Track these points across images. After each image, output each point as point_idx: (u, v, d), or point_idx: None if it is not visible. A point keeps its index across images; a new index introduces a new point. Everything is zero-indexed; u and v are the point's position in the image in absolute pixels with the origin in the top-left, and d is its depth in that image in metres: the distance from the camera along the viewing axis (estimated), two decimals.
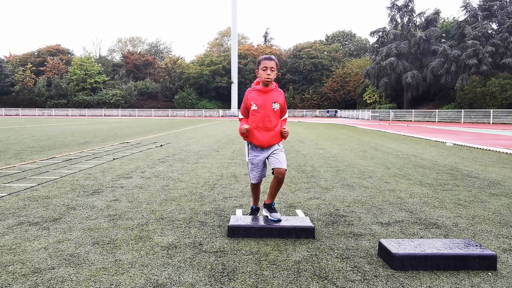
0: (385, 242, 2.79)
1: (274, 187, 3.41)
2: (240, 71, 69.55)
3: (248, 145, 3.51)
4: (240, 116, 3.51)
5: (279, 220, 3.34)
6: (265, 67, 3.28)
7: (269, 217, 3.41)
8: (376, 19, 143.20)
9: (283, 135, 3.40)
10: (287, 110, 3.55)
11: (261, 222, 3.34)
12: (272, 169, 3.34)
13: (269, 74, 3.28)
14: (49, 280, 2.37)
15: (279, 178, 3.31)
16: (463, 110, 37.43)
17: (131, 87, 72.67)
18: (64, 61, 78.31)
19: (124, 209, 4.07)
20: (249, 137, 3.42)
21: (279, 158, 3.35)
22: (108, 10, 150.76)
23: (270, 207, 3.46)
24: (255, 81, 3.46)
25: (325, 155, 9.00)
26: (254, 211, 3.66)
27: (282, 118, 3.47)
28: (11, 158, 8.03)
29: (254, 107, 3.34)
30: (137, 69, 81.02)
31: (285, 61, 73.75)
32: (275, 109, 3.35)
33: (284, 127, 3.41)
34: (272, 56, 3.36)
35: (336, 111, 64.90)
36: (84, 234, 3.24)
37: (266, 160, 3.47)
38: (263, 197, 3.93)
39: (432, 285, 2.38)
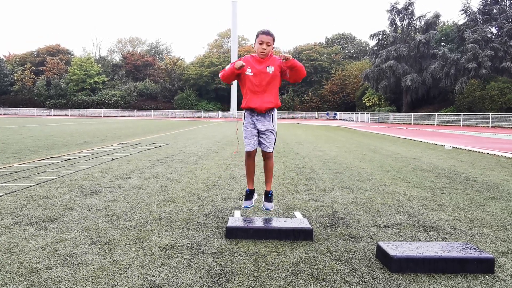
0: (383, 244, 2.79)
1: (266, 170, 3.65)
2: None
3: (244, 113, 3.59)
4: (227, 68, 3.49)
5: (268, 210, 3.59)
6: (262, 41, 3.38)
7: (262, 205, 3.64)
8: (376, 22, 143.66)
9: (285, 58, 3.28)
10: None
11: (259, 223, 3.34)
12: (261, 149, 3.58)
13: (265, 49, 3.39)
14: (46, 280, 2.37)
15: (266, 159, 3.60)
16: (462, 113, 37.49)
17: (131, 88, 72.69)
18: (64, 61, 78.32)
19: (122, 209, 4.06)
20: (247, 102, 3.49)
21: (267, 140, 3.53)
22: (108, 10, 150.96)
23: (267, 195, 3.67)
24: (253, 53, 3.53)
25: (324, 157, 9.00)
26: (249, 195, 3.67)
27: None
28: (9, 158, 8.01)
29: (249, 72, 3.43)
30: (136, 70, 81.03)
31: None
32: (270, 72, 3.42)
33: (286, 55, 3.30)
34: (270, 31, 3.44)
35: (335, 114, 64.95)
36: (82, 234, 3.23)
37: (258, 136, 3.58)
38: (262, 186, 3.92)
39: (429, 287, 2.38)
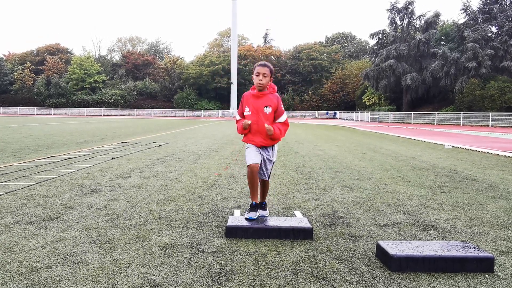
0: (383, 243, 2.79)
1: (261, 189, 3.70)
2: (239, 72, 69.58)
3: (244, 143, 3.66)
4: (238, 117, 3.65)
5: (263, 216, 3.57)
6: (258, 73, 3.44)
7: (259, 214, 3.60)
8: (376, 21, 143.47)
9: (268, 132, 3.40)
10: (285, 112, 3.57)
11: (259, 222, 3.34)
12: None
13: (261, 80, 3.43)
14: (46, 279, 2.37)
15: (262, 184, 3.66)
16: (462, 112, 37.49)
17: (131, 87, 72.64)
18: (64, 60, 78.26)
19: (122, 208, 4.06)
20: (246, 138, 3.58)
21: (264, 170, 3.57)
22: (108, 9, 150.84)
23: (261, 205, 3.69)
24: (252, 86, 3.58)
25: (324, 157, 9.00)
26: (254, 207, 3.59)
27: (277, 121, 3.52)
28: (9, 157, 8.01)
29: (247, 112, 3.51)
30: (136, 69, 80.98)
31: (285, 62, 73.83)
32: (267, 113, 3.46)
33: (267, 125, 3.39)
34: (267, 63, 3.50)
35: (335, 113, 64.94)
36: (82, 234, 3.23)
37: None
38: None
39: (429, 287, 2.38)
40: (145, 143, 11.79)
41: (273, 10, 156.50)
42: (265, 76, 3.42)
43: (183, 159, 8.21)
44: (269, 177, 3.65)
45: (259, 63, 3.51)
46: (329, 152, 10.11)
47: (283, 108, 3.56)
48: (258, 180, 3.56)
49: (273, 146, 3.59)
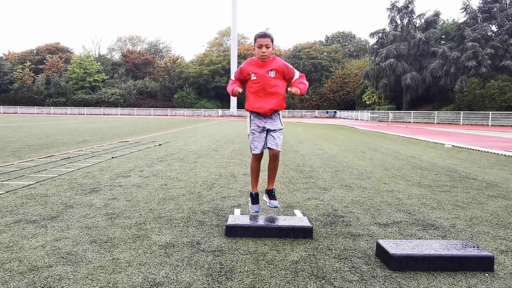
0: (383, 242, 2.79)
1: (271, 170, 3.59)
2: None
3: (250, 116, 3.57)
4: (232, 77, 3.60)
5: (276, 207, 3.53)
6: (260, 44, 3.37)
7: (267, 203, 3.55)
8: (376, 20, 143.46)
9: (295, 92, 3.38)
10: (296, 71, 3.52)
11: (259, 221, 3.34)
12: (268, 148, 3.51)
13: (264, 52, 3.37)
14: (46, 278, 2.37)
15: (273, 159, 3.52)
16: (462, 112, 37.48)
17: (130, 86, 72.62)
18: (63, 59, 78.21)
19: (122, 207, 4.06)
20: (250, 104, 3.49)
21: (276, 140, 3.48)
22: (107, 8, 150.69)
23: (270, 194, 3.61)
24: (255, 56, 3.51)
25: (324, 156, 9.00)
26: (255, 199, 3.59)
27: (295, 79, 3.49)
28: (9, 156, 8.01)
29: (253, 77, 3.43)
30: (136, 68, 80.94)
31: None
32: (271, 76, 3.42)
33: (293, 88, 3.39)
34: (267, 33, 3.44)
35: (335, 112, 64.93)
36: (82, 233, 3.23)
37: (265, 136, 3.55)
38: (263, 186, 3.92)
39: (429, 286, 2.39)
40: (145, 142, 11.79)
41: (273, 9, 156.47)
42: (268, 47, 3.36)
43: (183, 158, 8.21)
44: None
45: (258, 33, 3.42)
46: (329, 151, 10.11)
47: (291, 67, 3.51)
48: (260, 169, 3.61)
49: (278, 114, 3.54)
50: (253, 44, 3.48)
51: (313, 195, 4.82)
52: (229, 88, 3.55)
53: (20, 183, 5.20)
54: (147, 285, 2.30)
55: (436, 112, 40.74)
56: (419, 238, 3.25)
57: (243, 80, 3.52)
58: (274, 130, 3.49)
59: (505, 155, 9.62)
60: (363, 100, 57.54)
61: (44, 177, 5.71)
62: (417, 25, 50.66)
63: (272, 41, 3.40)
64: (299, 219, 3.42)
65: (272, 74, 3.42)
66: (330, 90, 68.64)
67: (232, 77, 3.60)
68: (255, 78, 3.42)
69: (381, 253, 2.75)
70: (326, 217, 3.85)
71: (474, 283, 2.44)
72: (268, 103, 3.43)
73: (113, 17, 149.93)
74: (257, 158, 3.54)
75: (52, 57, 77.03)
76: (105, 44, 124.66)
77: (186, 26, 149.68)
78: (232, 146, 11.02)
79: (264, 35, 3.38)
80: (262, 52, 3.36)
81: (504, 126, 32.48)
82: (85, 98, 71.24)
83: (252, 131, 3.52)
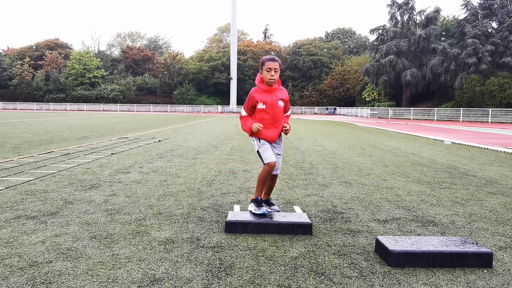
0: (382, 239, 2.80)
1: (271, 185, 3.61)
2: (239, 67, 69.39)
3: (255, 139, 3.54)
4: (244, 113, 3.53)
5: (278, 211, 3.50)
6: (269, 68, 3.36)
7: (268, 210, 3.51)
8: (376, 17, 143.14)
9: (284, 132, 3.53)
10: (290, 106, 3.64)
11: (259, 218, 3.34)
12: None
13: (273, 75, 3.37)
14: (46, 274, 2.38)
15: (274, 179, 3.59)
16: (462, 108, 37.47)
17: (130, 82, 72.54)
18: (63, 55, 78.05)
19: (122, 203, 4.07)
20: (258, 134, 3.46)
21: (278, 164, 3.52)
22: (107, 4, 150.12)
23: (268, 202, 3.58)
24: (257, 79, 3.49)
25: (323, 152, 9.01)
26: (260, 203, 3.56)
27: (286, 114, 3.60)
28: (9, 152, 8.01)
29: (261, 106, 3.42)
30: (136, 64, 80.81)
31: (285, 58, 73.61)
32: (281, 106, 3.47)
33: (286, 124, 3.53)
34: (276, 57, 3.45)
35: (335, 109, 64.88)
36: (82, 228, 3.24)
37: None
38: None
39: (428, 281, 2.40)
40: (144, 139, 11.78)
41: (273, 5, 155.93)
42: (276, 71, 3.37)
43: (182, 154, 8.22)
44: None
45: (267, 57, 3.41)
46: (328, 147, 10.12)
47: None
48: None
49: (281, 139, 3.62)
50: (260, 68, 3.45)
51: (312, 192, 4.82)
52: (246, 128, 3.49)
53: (19, 179, 5.20)
54: (147, 281, 2.31)
55: (436, 109, 40.73)
56: (418, 235, 3.26)
57: (251, 107, 3.48)
58: (276, 155, 3.52)
59: (504, 152, 9.63)
60: (363, 96, 57.49)
61: (44, 173, 5.71)
62: (417, 21, 50.54)
63: (280, 65, 3.41)
64: (298, 216, 3.43)
65: (281, 104, 3.46)
66: (330, 86, 68.57)
67: (243, 112, 3.53)
68: (263, 106, 3.41)
69: (381, 249, 2.75)
70: (326, 214, 3.85)
71: (473, 279, 2.45)
72: (275, 132, 3.48)
73: (112, 13, 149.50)
74: (272, 166, 3.42)
75: (52, 53, 76.86)
76: (104, 40, 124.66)
77: (185, 22, 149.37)
78: (231, 143, 11.02)
79: (273, 59, 3.39)
80: (271, 76, 3.35)
81: (504, 123, 32.49)
82: (84, 94, 71.14)
83: (262, 145, 3.47)
